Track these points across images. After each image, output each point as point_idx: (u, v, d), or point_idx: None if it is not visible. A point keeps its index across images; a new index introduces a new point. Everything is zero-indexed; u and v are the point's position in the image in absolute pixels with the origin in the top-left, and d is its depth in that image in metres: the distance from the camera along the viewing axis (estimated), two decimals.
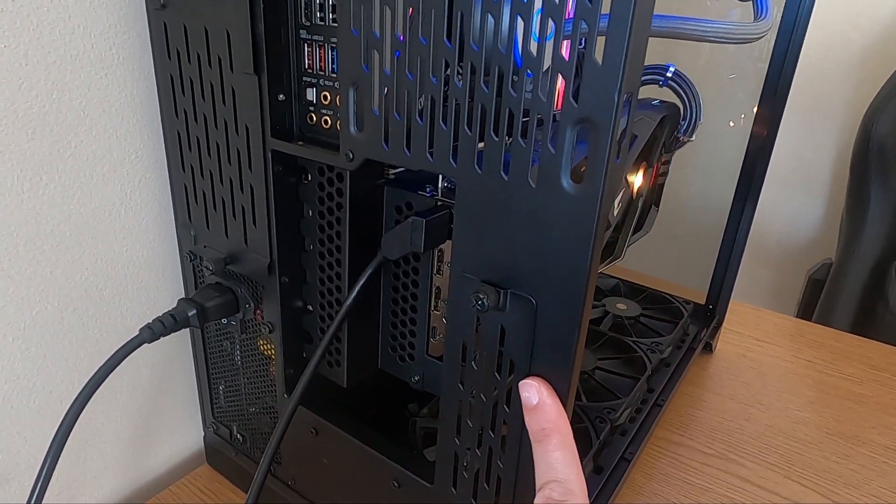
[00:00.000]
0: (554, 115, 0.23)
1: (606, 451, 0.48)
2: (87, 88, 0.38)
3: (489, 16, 0.24)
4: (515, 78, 0.24)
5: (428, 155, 0.27)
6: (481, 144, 0.26)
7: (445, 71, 0.26)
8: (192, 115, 0.37)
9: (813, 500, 0.52)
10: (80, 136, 0.39)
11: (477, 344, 0.29)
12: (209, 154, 0.37)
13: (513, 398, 0.29)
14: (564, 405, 0.27)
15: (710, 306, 0.72)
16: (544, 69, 0.23)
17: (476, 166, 0.26)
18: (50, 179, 0.38)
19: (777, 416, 0.62)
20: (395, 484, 0.37)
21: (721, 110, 0.78)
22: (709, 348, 0.72)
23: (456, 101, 0.26)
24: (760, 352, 0.74)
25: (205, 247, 0.41)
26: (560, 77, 0.22)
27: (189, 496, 0.49)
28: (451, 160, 0.27)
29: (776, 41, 0.63)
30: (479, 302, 0.26)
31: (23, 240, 0.38)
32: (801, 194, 1.32)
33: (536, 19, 0.23)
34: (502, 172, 0.25)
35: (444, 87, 0.26)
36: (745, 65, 0.77)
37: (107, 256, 0.43)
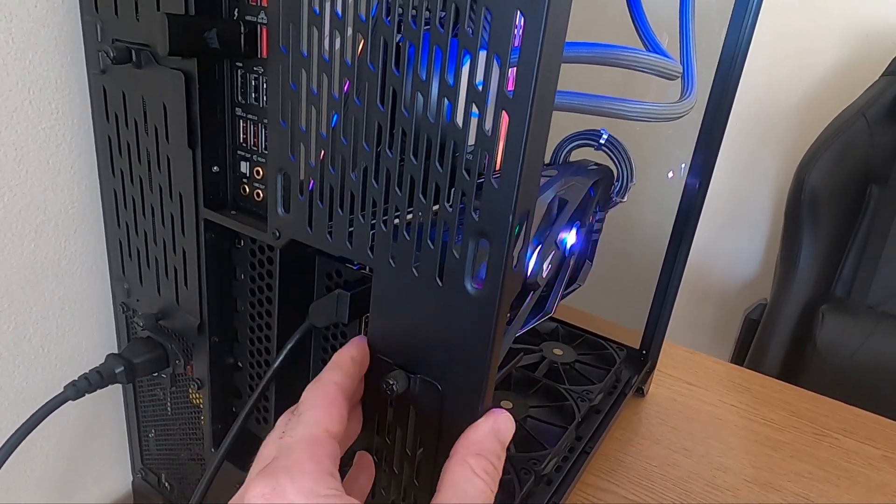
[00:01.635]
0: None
1: (530, 502, 0.50)
2: (24, 142, 0.39)
3: (401, 129, 0.25)
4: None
5: (348, 243, 0.29)
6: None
7: (364, 170, 0.27)
8: (128, 176, 0.38)
9: None
10: (15, 188, 0.39)
11: (390, 420, 0.31)
12: (143, 215, 0.38)
13: (421, 474, 0.30)
14: None
15: (644, 351, 0.75)
16: (451, 186, 0.25)
17: (390, 260, 0.28)
18: None
19: (699, 462, 0.66)
20: None
21: (660, 161, 0.82)
22: (641, 392, 0.75)
23: (373, 198, 0.27)
24: (690, 395, 0.78)
25: (137, 300, 0.42)
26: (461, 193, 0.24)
27: None
28: (369, 251, 0.28)
29: (709, 99, 0.67)
30: (389, 387, 0.28)
31: None
32: (742, 235, 1.38)
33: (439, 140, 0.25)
34: (413, 269, 0.27)
35: (363, 184, 0.28)
36: (683, 120, 0.81)
37: (38, 305, 0.43)
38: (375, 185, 0.27)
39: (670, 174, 0.80)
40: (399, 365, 0.29)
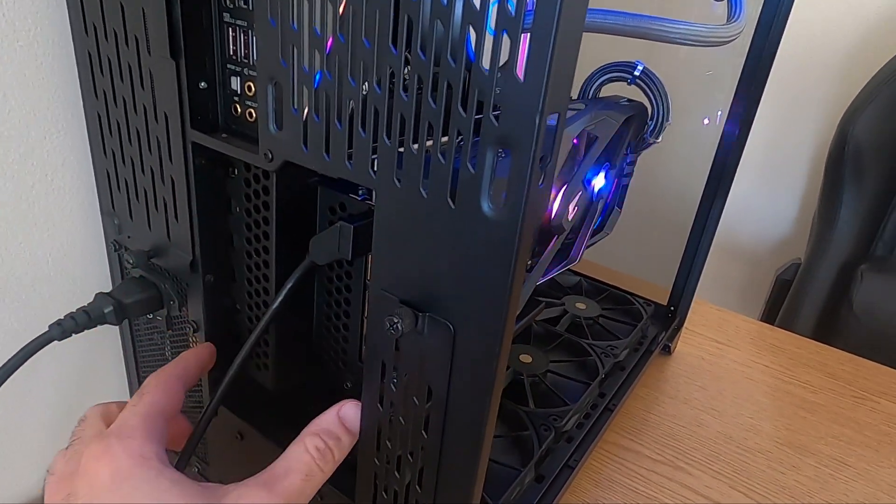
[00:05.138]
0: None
1: (550, 459, 0.47)
2: None
3: (407, 18, 0.21)
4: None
5: (347, 162, 0.25)
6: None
7: (365, 73, 0.23)
8: (111, 97, 0.34)
9: None
10: None
11: (396, 364, 0.27)
12: (129, 141, 0.34)
13: (430, 425, 0.27)
14: (484, 431, 0.26)
15: (672, 308, 0.71)
16: (462, 80, 0.21)
17: (395, 179, 0.24)
18: None
19: (729, 423, 0.62)
20: (319, 497, 0.35)
21: (696, 107, 0.76)
22: (667, 350, 0.71)
23: (375, 107, 0.23)
24: (719, 355, 0.74)
25: (129, 237, 0.39)
26: (479, 90, 0.20)
27: None
28: (371, 170, 0.24)
29: (753, 37, 0.61)
30: (393, 326, 0.25)
31: None
32: (775, 192, 1.31)
33: (458, 24, 0.20)
34: (421, 189, 0.23)
35: (364, 91, 0.24)
36: (723, 60, 0.75)
37: (26, 242, 0.40)
38: (378, 90, 0.23)
39: (706, 121, 0.75)
40: (405, 302, 0.25)
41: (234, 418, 0.38)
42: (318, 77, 0.25)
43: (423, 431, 0.27)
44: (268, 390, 0.38)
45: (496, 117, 0.20)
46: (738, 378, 0.70)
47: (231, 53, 0.30)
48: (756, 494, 0.53)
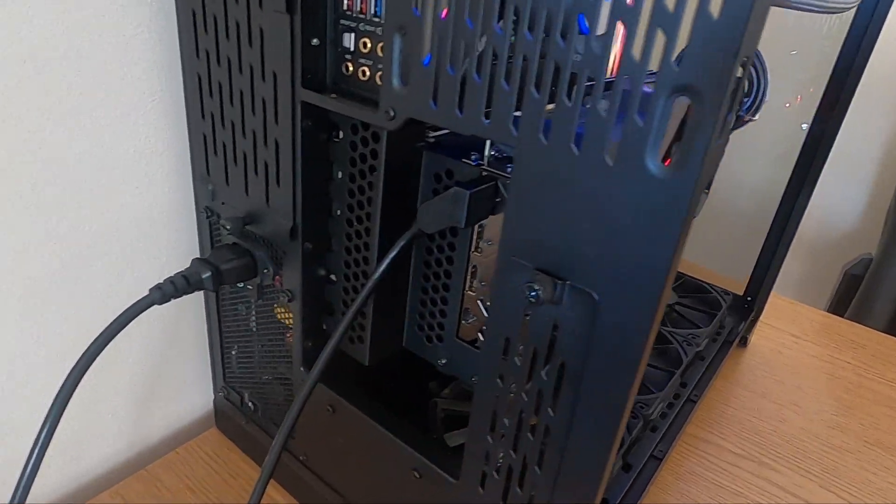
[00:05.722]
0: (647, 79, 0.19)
1: (637, 448, 0.46)
2: (98, 21, 0.35)
3: None
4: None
5: (483, 118, 0.24)
6: (550, 106, 0.22)
7: (514, 19, 0.22)
8: (214, 57, 0.33)
9: None
10: (91, 73, 0.35)
11: (523, 338, 0.26)
12: (231, 102, 0.33)
13: (559, 402, 0.25)
14: (624, 410, 0.24)
15: (749, 298, 0.68)
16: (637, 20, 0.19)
17: (542, 136, 0.22)
18: (57, 120, 0.35)
19: (812, 420, 0.59)
20: (416, 474, 0.34)
21: (777, 89, 0.72)
22: (744, 342, 0.68)
23: (524, 56, 0.22)
24: (796, 348, 0.70)
25: (223, 203, 0.38)
26: (661, 32, 0.18)
27: (196, 461, 0.47)
28: (512, 126, 0.23)
29: (854, 18, 0.57)
30: (533, 293, 0.23)
31: (26, 186, 0.35)
32: (843, 184, 1.25)
33: None
34: (573, 145, 0.21)
35: (511, 39, 0.22)
36: (808, 41, 0.71)
37: (117, 207, 0.40)
38: (529, 37, 0.21)
39: (787, 104, 0.71)
40: (542, 269, 0.24)
41: (326, 391, 0.37)
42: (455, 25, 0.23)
43: (550, 409, 0.26)
44: (358, 363, 0.37)
45: (677, 61, 0.18)
46: (818, 373, 0.66)
47: (346, 8, 0.29)
48: (850, 496, 0.50)
